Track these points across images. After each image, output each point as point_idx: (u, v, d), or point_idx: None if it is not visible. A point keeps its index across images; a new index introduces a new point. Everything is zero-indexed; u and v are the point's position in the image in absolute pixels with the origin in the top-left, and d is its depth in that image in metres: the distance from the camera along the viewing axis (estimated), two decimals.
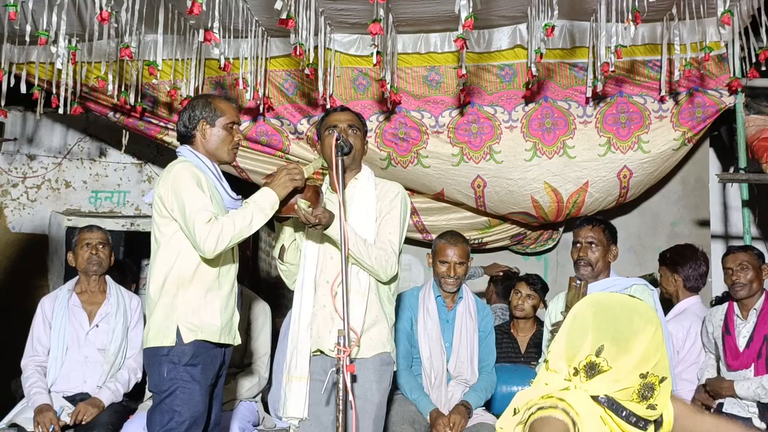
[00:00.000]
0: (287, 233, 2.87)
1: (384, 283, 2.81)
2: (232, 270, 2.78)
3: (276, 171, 2.69)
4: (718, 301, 4.17)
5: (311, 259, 2.82)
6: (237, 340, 2.80)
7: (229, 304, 2.73)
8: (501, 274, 4.84)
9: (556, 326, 2.99)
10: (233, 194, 2.81)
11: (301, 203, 2.61)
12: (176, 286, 2.61)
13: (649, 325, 1.79)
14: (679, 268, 3.93)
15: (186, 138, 2.79)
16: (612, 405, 1.76)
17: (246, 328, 3.76)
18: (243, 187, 4.14)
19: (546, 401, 1.75)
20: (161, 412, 2.58)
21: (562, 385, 1.78)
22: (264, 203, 2.59)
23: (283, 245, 2.88)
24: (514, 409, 1.83)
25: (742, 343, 3.51)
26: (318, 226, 2.64)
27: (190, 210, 2.55)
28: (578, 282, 3.02)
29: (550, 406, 1.73)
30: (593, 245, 3.22)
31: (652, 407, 1.79)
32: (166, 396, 2.57)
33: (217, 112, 2.78)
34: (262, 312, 3.87)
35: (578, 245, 3.26)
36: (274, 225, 2.93)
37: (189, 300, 2.61)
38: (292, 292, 2.89)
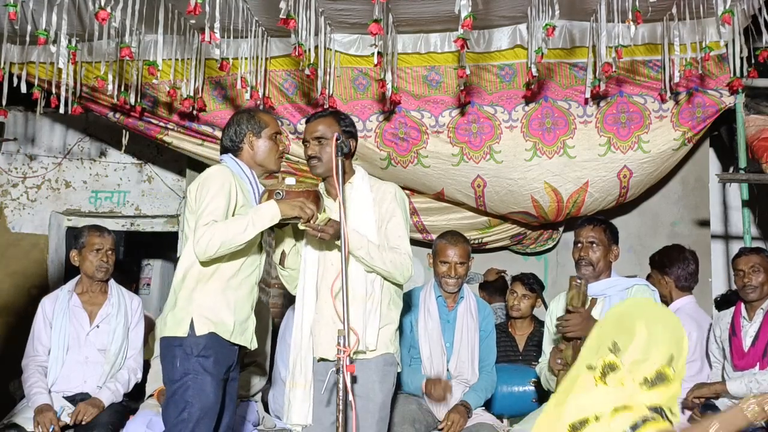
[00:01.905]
0: (287, 238, 2.88)
1: (396, 285, 2.83)
2: (253, 275, 2.80)
3: (284, 187, 2.70)
4: (723, 298, 4.16)
5: (311, 267, 2.83)
6: (253, 345, 2.83)
7: (245, 306, 2.76)
8: (499, 275, 4.85)
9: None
10: None
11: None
12: (196, 280, 2.68)
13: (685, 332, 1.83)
14: (668, 269, 3.93)
15: (231, 151, 2.87)
16: (662, 416, 1.75)
17: None
18: None
19: (639, 413, 1.73)
20: (175, 405, 2.62)
21: (634, 394, 1.76)
22: (264, 215, 2.62)
23: (283, 251, 2.89)
24: (577, 424, 1.78)
25: (747, 342, 3.50)
26: (326, 236, 2.65)
27: (201, 211, 2.62)
28: (579, 281, 3.02)
29: (653, 419, 1.72)
30: (594, 245, 3.22)
31: (674, 413, 1.80)
32: (178, 387, 2.61)
33: (261, 124, 2.87)
34: (261, 311, 3.86)
35: (579, 245, 3.26)
36: (273, 229, 2.93)
37: (206, 295, 2.66)
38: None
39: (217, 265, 2.67)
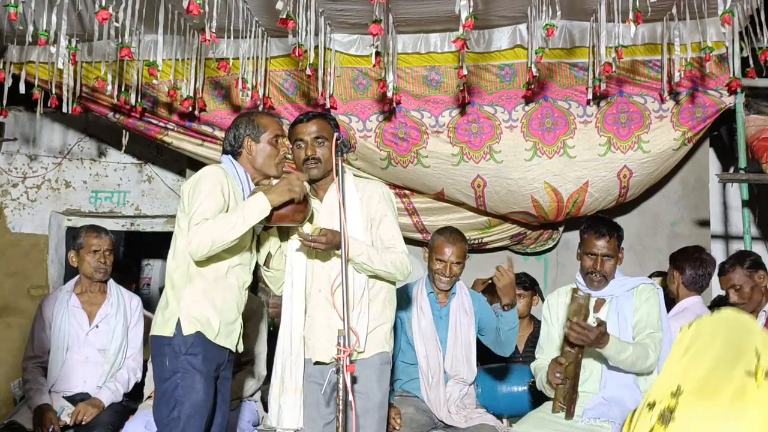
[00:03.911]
0: (273, 240, 2.86)
1: (390, 283, 2.83)
2: (241, 277, 2.76)
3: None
4: (715, 302, 4.15)
5: (299, 270, 2.81)
6: (239, 348, 2.81)
7: (232, 309, 2.72)
8: (485, 284, 4.84)
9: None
10: None
11: (306, 228, 2.61)
12: (184, 279, 2.66)
13: None
14: (680, 264, 3.93)
15: (231, 154, 2.83)
16: None
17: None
18: None
19: None
20: (165, 403, 2.61)
21: None
22: (253, 208, 2.58)
23: (269, 252, 2.86)
24: None
25: None
26: (320, 246, 2.62)
27: (193, 211, 2.60)
28: (580, 294, 3.02)
29: None
30: (607, 257, 3.21)
31: None
32: (168, 386, 2.61)
33: (260, 128, 2.81)
34: (256, 309, 3.85)
35: (593, 256, 3.22)
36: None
37: (193, 295, 2.64)
38: None
39: (205, 266, 2.65)
